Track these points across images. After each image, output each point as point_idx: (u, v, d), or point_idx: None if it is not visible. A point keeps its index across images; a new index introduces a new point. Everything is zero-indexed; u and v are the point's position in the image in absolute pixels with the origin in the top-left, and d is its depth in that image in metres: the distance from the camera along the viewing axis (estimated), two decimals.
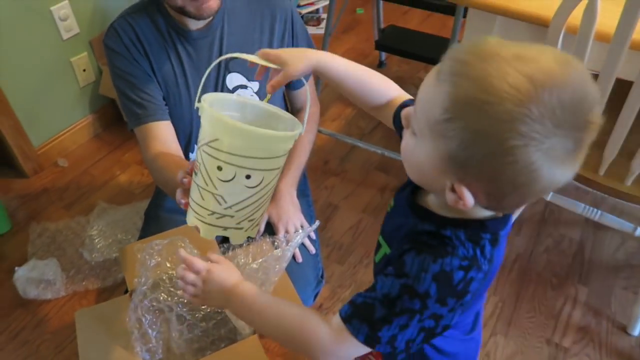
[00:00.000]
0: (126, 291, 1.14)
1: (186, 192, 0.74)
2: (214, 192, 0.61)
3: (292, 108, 1.35)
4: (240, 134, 0.58)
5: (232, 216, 0.63)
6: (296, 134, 0.65)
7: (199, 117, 0.71)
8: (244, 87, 1.14)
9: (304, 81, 0.88)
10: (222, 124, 0.59)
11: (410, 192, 0.65)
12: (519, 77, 0.46)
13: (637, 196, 1.13)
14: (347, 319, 0.60)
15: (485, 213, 0.58)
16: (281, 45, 1.20)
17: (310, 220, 1.40)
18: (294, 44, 1.22)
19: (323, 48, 1.93)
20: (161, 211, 1.36)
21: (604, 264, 1.55)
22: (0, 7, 1.57)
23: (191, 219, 0.67)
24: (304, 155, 1.29)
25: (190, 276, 0.71)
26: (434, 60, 2.08)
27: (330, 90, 2.24)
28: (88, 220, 1.65)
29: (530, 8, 1.10)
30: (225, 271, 0.71)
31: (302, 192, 1.42)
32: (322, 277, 1.36)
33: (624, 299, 1.45)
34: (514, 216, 0.58)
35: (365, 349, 0.61)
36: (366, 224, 1.67)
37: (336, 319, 0.62)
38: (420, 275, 0.55)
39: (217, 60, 0.78)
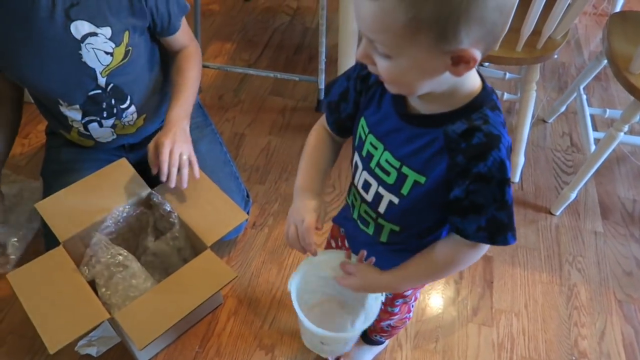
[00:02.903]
0: (47, 249, 1.10)
1: None
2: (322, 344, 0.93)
3: (170, 51, 1.28)
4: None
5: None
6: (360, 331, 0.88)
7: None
8: (94, 34, 1.05)
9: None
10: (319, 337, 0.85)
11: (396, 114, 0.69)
12: None
13: (525, 58, 1.35)
14: (491, 239, 0.67)
15: (475, 87, 0.64)
16: None
17: (220, 146, 1.42)
18: None
19: None
20: (58, 165, 1.29)
21: None
22: None
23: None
24: (191, 90, 1.24)
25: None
26: None
27: (207, 27, 2.20)
28: None
29: None
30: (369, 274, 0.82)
31: (204, 122, 1.43)
32: (248, 197, 1.42)
33: None
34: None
35: None
36: (275, 144, 1.74)
37: (470, 241, 0.69)
38: (504, 167, 0.62)
39: None
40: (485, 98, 0.64)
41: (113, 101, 1.18)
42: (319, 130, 0.85)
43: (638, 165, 1.73)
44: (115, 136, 1.27)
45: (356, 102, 0.76)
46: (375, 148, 0.72)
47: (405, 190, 0.71)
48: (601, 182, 1.68)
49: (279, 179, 1.63)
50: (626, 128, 1.36)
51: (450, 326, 1.31)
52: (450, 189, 0.66)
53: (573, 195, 1.53)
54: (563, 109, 1.84)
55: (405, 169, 0.69)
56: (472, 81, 0.64)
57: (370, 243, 0.84)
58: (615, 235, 1.53)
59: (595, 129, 1.78)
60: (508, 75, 1.74)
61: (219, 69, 1.90)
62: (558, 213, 1.57)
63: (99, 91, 1.15)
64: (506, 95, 1.65)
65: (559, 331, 1.31)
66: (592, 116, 1.70)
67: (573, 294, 1.39)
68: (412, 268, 0.77)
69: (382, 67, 0.59)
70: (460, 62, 0.56)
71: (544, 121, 1.88)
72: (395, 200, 0.73)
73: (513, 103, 1.90)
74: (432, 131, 0.65)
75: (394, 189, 0.72)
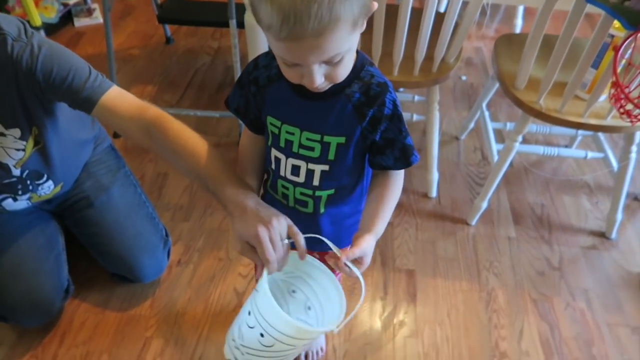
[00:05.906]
0: None
1: None
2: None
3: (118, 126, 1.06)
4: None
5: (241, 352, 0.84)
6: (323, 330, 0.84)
7: None
8: (2, 135, 1.04)
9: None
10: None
11: (312, 103, 0.79)
12: None
13: (422, 81, 1.46)
14: (407, 163, 0.82)
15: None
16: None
17: (134, 188, 1.40)
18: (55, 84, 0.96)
19: (107, 37, 1.85)
20: None
21: None
22: None
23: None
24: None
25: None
26: (220, 24, 2.16)
27: (128, 71, 2.22)
28: None
29: None
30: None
31: (116, 165, 1.39)
32: (167, 235, 1.41)
33: (418, 174, 1.81)
34: None
35: None
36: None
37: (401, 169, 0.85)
38: (397, 103, 0.78)
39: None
40: (362, 58, 0.78)
41: (29, 181, 1.15)
42: (244, 139, 0.94)
43: (542, 174, 1.87)
44: (30, 204, 1.23)
45: (257, 103, 0.85)
46: (292, 134, 0.82)
47: (332, 156, 0.82)
48: (512, 190, 1.80)
49: (204, 215, 1.64)
50: (520, 138, 1.47)
51: (378, 342, 1.34)
52: (366, 137, 0.80)
53: (484, 205, 1.62)
54: (472, 125, 1.97)
55: (326, 138, 0.80)
56: None
57: (309, 224, 0.89)
58: (527, 240, 1.63)
59: (500, 141, 1.90)
60: (417, 97, 1.85)
61: None
62: (473, 223, 1.66)
63: (14, 179, 1.12)
64: (415, 117, 1.75)
65: (481, 335, 1.37)
66: (495, 130, 1.83)
67: (491, 298, 1.46)
68: (372, 212, 0.84)
69: (338, 71, 0.70)
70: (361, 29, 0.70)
71: (457, 138, 1.99)
72: (326, 167, 0.84)
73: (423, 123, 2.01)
74: (337, 99, 0.77)
75: (321, 159, 0.83)
